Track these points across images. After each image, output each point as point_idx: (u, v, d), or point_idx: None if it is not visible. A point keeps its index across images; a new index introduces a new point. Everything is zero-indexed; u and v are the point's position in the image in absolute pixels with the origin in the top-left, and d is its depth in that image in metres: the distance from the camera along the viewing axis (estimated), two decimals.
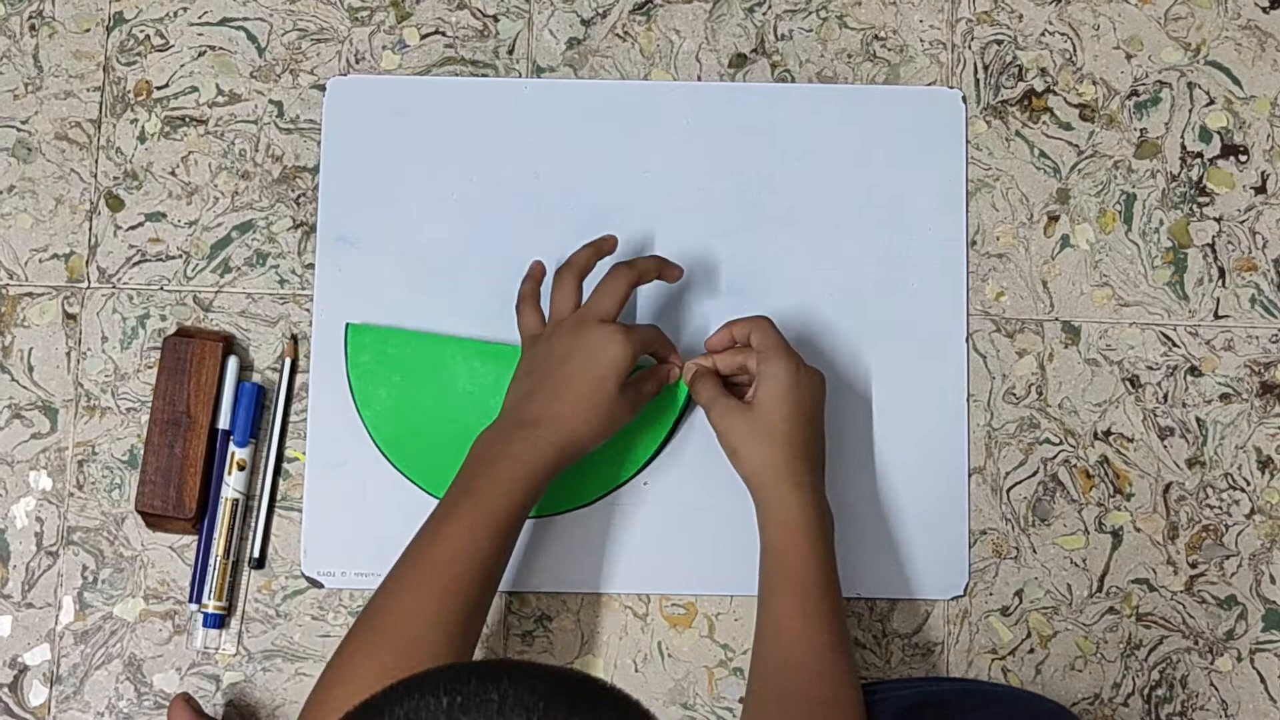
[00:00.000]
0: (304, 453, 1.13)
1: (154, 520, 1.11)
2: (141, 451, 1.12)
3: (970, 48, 1.18)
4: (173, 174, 1.16)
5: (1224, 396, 1.14)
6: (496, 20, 1.18)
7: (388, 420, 1.11)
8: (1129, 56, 1.18)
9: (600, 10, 1.18)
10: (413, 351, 1.12)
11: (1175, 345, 1.15)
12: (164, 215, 1.16)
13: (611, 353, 1.02)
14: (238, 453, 1.11)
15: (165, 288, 1.15)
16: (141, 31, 1.18)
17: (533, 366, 1.05)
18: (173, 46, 1.18)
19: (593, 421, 1.02)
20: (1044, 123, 1.17)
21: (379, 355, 1.12)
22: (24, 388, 1.14)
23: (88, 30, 1.18)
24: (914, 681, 1.09)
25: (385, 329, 1.12)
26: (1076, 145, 1.17)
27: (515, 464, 1.00)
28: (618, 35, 1.18)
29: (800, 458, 1.03)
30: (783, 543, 1.01)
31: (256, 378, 1.14)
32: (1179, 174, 1.17)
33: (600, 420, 1.03)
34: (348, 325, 1.12)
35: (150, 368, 1.13)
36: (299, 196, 1.16)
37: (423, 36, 1.18)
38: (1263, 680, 1.12)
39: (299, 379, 1.14)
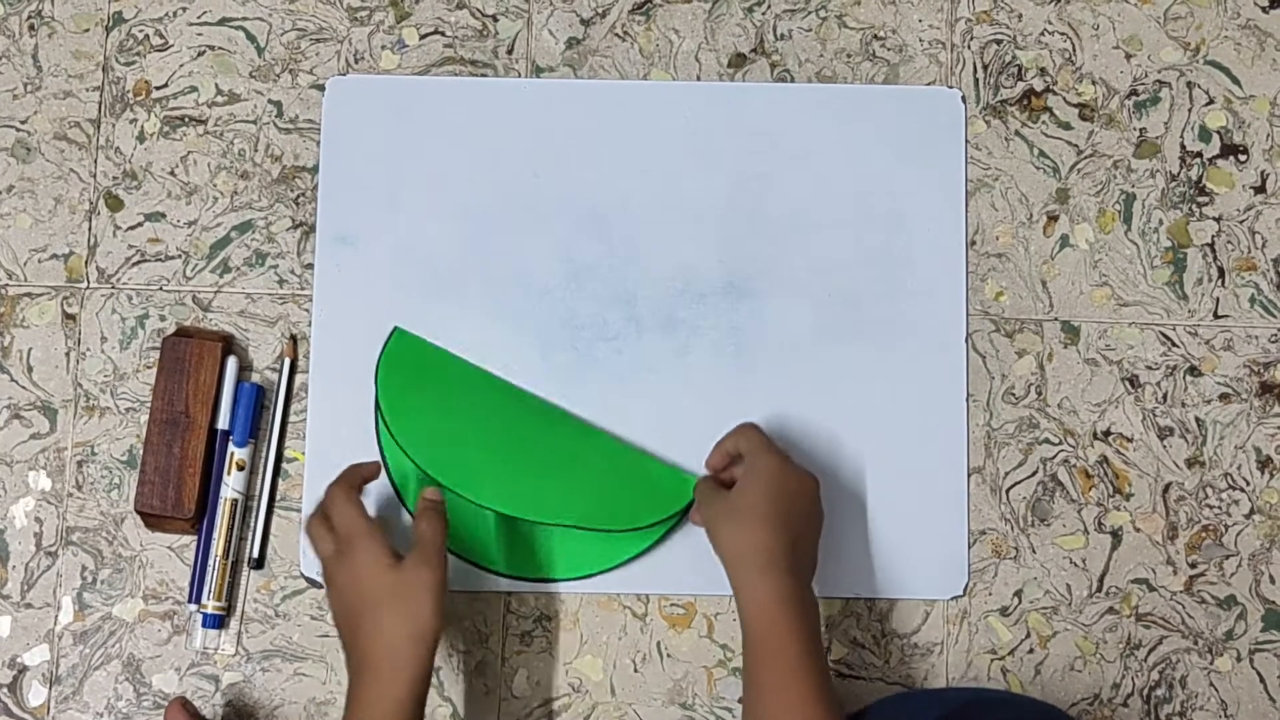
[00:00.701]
0: (303, 453, 1.13)
1: (153, 520, 1.11)
2: (141, 452, 1.12)
3: (969, 47, 1.18)
4: (172, 174, 1.16)
5: (1223, 396, 1.14)
6: (496, 20, 1.18)
7: (410, 422, 1.11)
8: (1128, 56, 1.18)
9: (599, 10, 1.18)
10: (448, 374, 1.12)
11: (1175, 345, 1.15)
12: (163, 215, 1.16)
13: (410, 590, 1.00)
14: (237, 453, 1.11)
15: (164, 288, 1.15)
16: (141, 31, 1.18)
17: (343, 596, 1.01)
18: (172, 46, 1.18)
19: (419, 623, 0.99)
20: (1043, 122, 1.17)
21: (414, 365, 1.12)
22: (23, 388, 1.14)
23: (87, 30, 1.18)
24: (901, 701, 1.09)
25: (429, 346, 1.13)
26: (1076, 145, 1.17)
27: (375, 710, 0.97)
28: (617, 35, 1.18)
29: (778, 544, 1.01)
30: (760, 624, 1.00)
31: (256, 378, 1.14)
32: (1178, 174, 1.17)
33: (420, 614, 0.99)
34: (395, 329, 1.12)
35: (149, 368, 1.13)
36: (298, 196, 1.16)
37: (422, 36, 1.18)
38: (1262, 680, 1.12)
39: (298, 379, 1.14)
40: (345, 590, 1.01)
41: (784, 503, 1.02)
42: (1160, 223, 1.16)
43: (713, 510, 1.04)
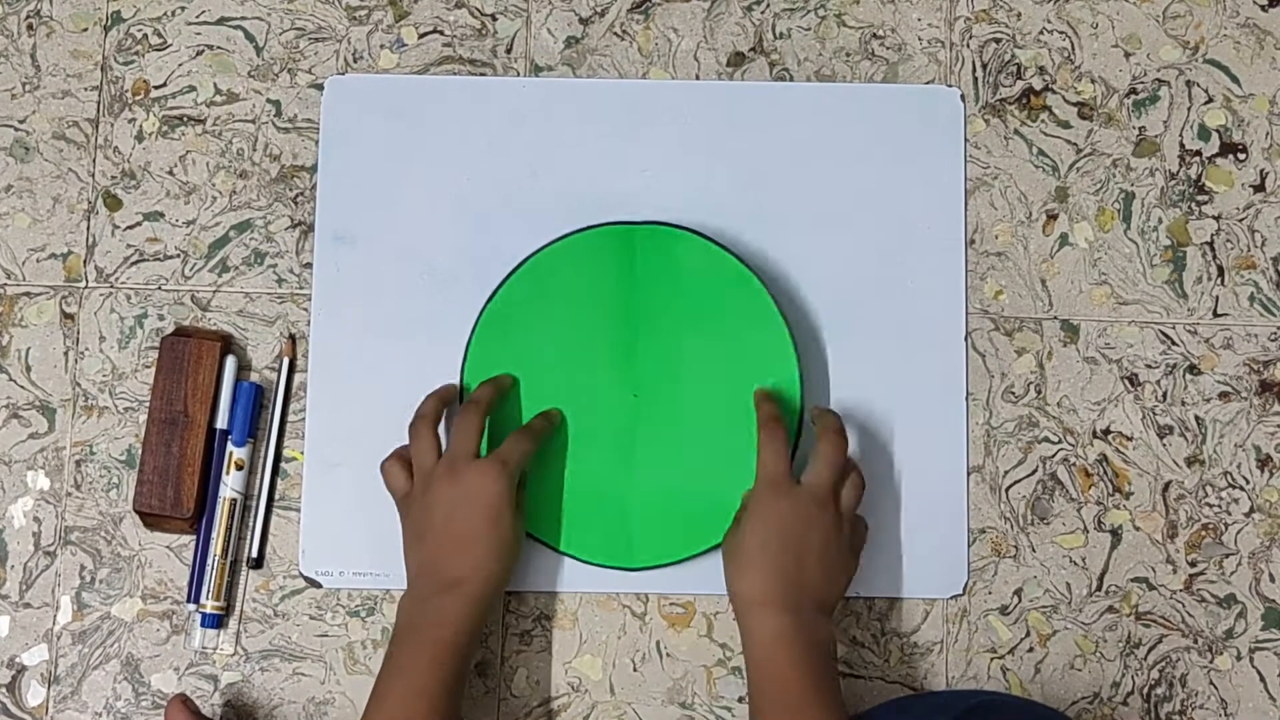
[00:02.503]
0: (302, 452, 1.13)
1: (152, 520, 1.11)
2: (139, 451, 1.11)
3: (969, 46, 1.18)
4: (170, 173, 1.16)
5: (1223, 395, 1.14)
6: (494, 19, 1.18)
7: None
8: (1127, 55, 1.18)
9: (598, 9, 1.18)
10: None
11: (1174, 343, 1.15)
12: (162, 215, 1.16)
13: (494, 489, 1.03)
14: (236, 452, 1.11)
15: (163, 287, 1.15)
16: (139, 31, 1.18)
17: (424, 525, 1.04)
18: (170, 46, 1.17)
19: (505, 558, 1.04)
20: (1042, 121, 1.17)
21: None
22: (22, 387, 1.13)
23: (85, 29, 1.18)
24: (901, 708, 1.08)
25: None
26: (1075, 143, 1.17)
27: (442, 629, 1.01)
28: (616, 34, 1.18)
29: (781, 583, 1.01)
30: (760, 664, 1.00)
31: (254, 377, 1.14)
32: (1178, 172, 1.17)
33: (510, 553, 1.05)
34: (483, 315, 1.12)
35: (148, 367, 1.13)
36: (297, 196, 1.16)
37: (421, 35, 1.18)
38: (1262, 679, 1.12)
39: (297, 378, 1.14)
40: (437, 509, 1.04)
41: (783, 539, 1.02)
42: (1159, 221, 1.16)
43: (723, 553, 1.05)
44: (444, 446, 1.07)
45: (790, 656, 0.99)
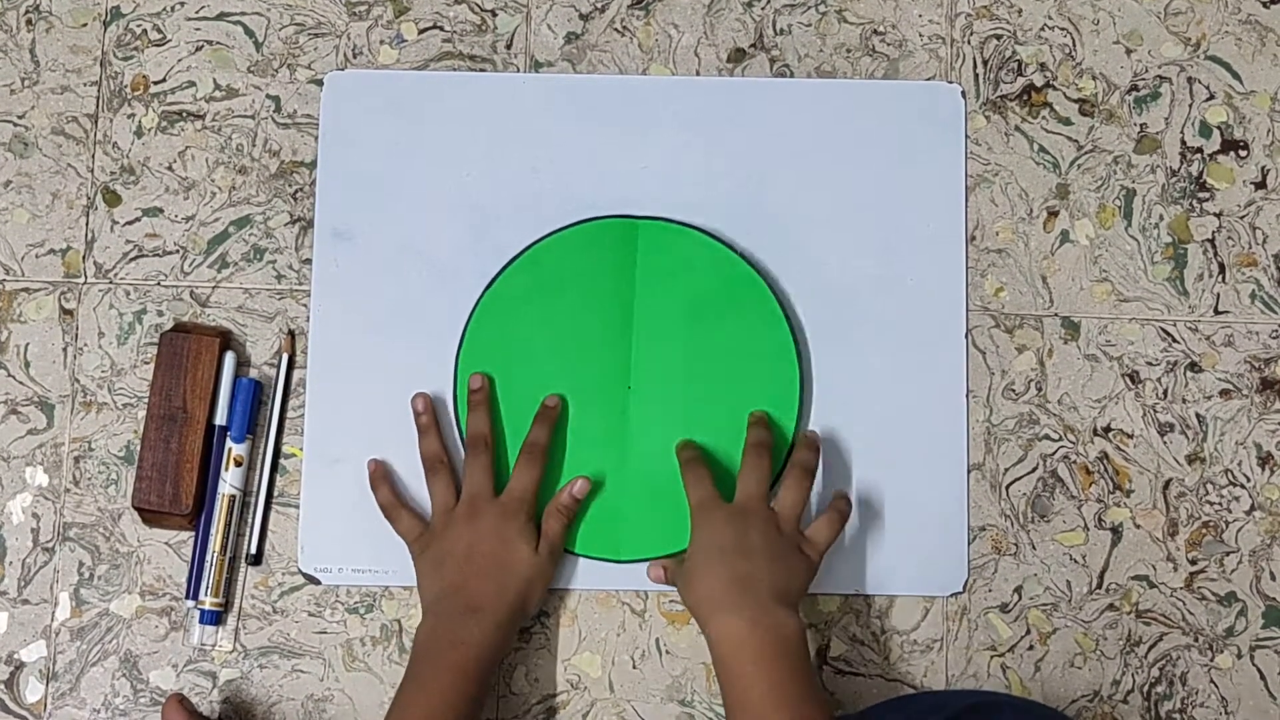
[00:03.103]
0: (301, 448, 1.13)
1: (150, 516, 1.11)
2: (138, 447, 1.11)
3: (969, 42, 1.18)
4: (170, 169, 1.16)
5: (1224, 392, 1.14)
6: (494, 15, 1.18)
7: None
8: (1129, 51, 1.18)
9: (598, 5, 1.18)
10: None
11: (1175, 341, 1.15)
12: (161, 210, 1.15)
13: (514, 524, 1.07)
14: (235, 449, 1.11)
15: (162, 283, 1.15)
16: (138, 26, 1.17)
17: (445, 558, 1.06)
18: (170, 41, 1.17)
19: (526, 589, 1.06)
20: (1043, 118, 1.17)
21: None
22: (20, 383, 1.13)
23: (84, 25, 1.17)
24: (901, 705, 1.08)
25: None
26: (1076, 140, 1.17)
27: (465, 649, 1.02)
28: (616, 30, 1.18)
29: (731, 583, 1.01)
30: (724, 667, 1.00)
31: (253, 373, 1.13)
32: (1179, 169, 1.17)
33: (530, 584, 1.06)
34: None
35: (147, 363, 1.13)
36: (296, 191, 1.16)
37: (420, 31, 1.18)
38: (1263, 677, 1.11)
39: (296, 374, 1.13)
40: (460, 543, 1.06)
41: (722, 545, 1.03)
42: (1161, 218, 1.16)
43: (677, 580, 1.06)
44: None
45: (752, 653, 0.99)
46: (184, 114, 1.16)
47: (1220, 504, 1.13)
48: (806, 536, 1.06)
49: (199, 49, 1.17)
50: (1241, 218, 1.16)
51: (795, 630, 1.00)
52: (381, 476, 1.11)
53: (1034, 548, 1.12)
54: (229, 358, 1.12)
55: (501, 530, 1.06)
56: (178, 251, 1.15)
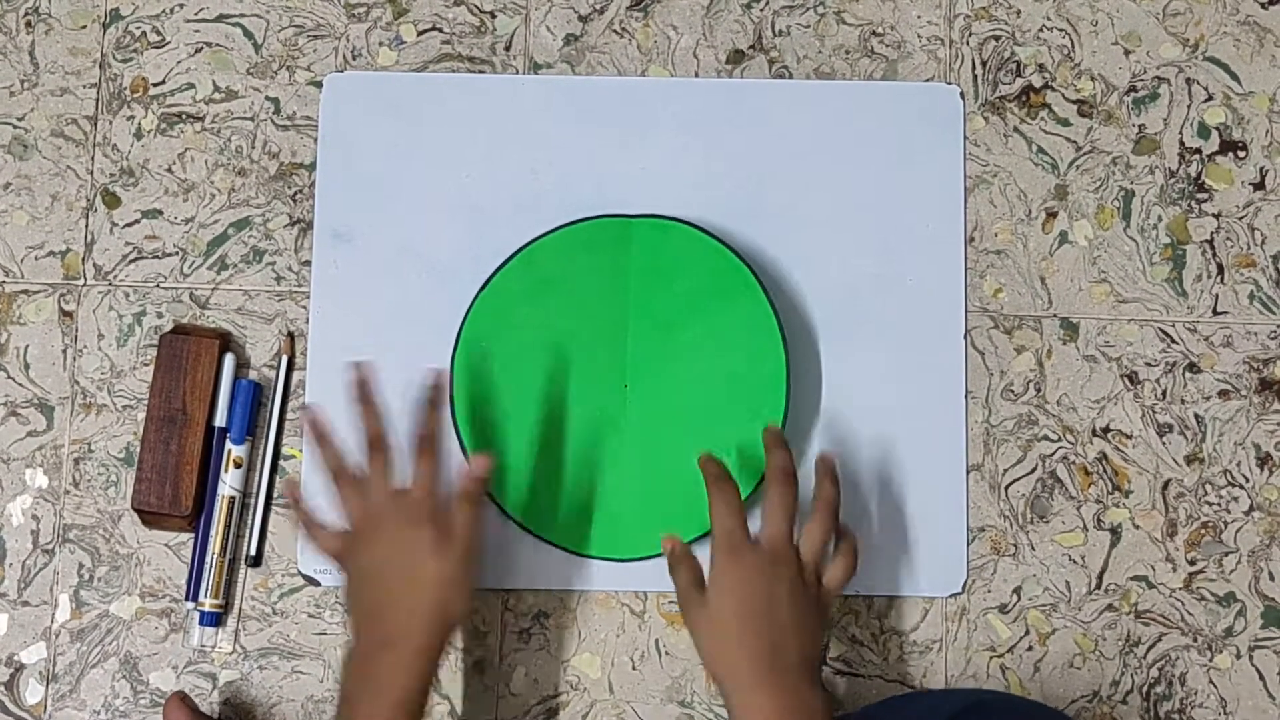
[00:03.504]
0: (301, 450, 1.13)
1: (150, 518, 1.11)
2: (138, 449, 1.11)
3: (968, 43, 1.18)
4: (169, 171, 1.16)
5: (1223, 393, 1.14)
6: (494, 16, 1.18)
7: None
8: (1127, 52, 1.18)
9: (597, 6, 1.18)
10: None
11: (1174, 341, 1.15)
12: (160, 212, 1.15)
13: (429, 562, 0.99)
14: (234, 450, 1.11)
15: (162, 285, 1.15)
16: (138, 28, 1.18)
17: (369, 568, 1.01)
18: (169, 43, 1.17)
19: (449, 609, 0.99)
20: (1042, 119, 1.17)
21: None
22: (20, 385, 1.13)
23: (84, 27, 1.18)
24: (900, 705, 1.08)
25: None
26: (1075, 141, 1.17)
27: (388, 690, 0.96)
28: (615, 31, 1.18)
29: (764, 657, 0.97)
30: None
31: (253, 375, 1.14)
32: (1177, 170, 1.17)
33: (455, 602, 1.00)
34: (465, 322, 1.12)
35: (146, 365, 1.13)
36: (296, 193, 1.16)
37: (420, 33, 1.18)
38: (1261, 677, 1.11)
39: (295, 376, 1.13)
40: (379, 555, 1.00)
41: (753, 606, 0.98)
42: (1159, 219, 1.16)
43: (690, 617, 1.01)
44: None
45: None
46: (183, 116, 1.17)
47: (1219, 504, 1.13)
48: (824, 585, 1.02)
49: (198, 51, 1.17)
50: (1240, 218, 1.16)
51: (823, 711, 0.97)
52: (294, 488, 1.08)
53: (1033, 548, 1.12)
54: (228, 359, 1.12)
55: (406, 542, 1.00)
56: (177, 253, 1.15)
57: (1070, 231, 1.16)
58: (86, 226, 1.15)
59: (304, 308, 1.14)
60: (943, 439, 1.13)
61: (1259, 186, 1.16)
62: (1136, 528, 1.13)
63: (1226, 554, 1.12)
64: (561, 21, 1.18)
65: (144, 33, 1.17)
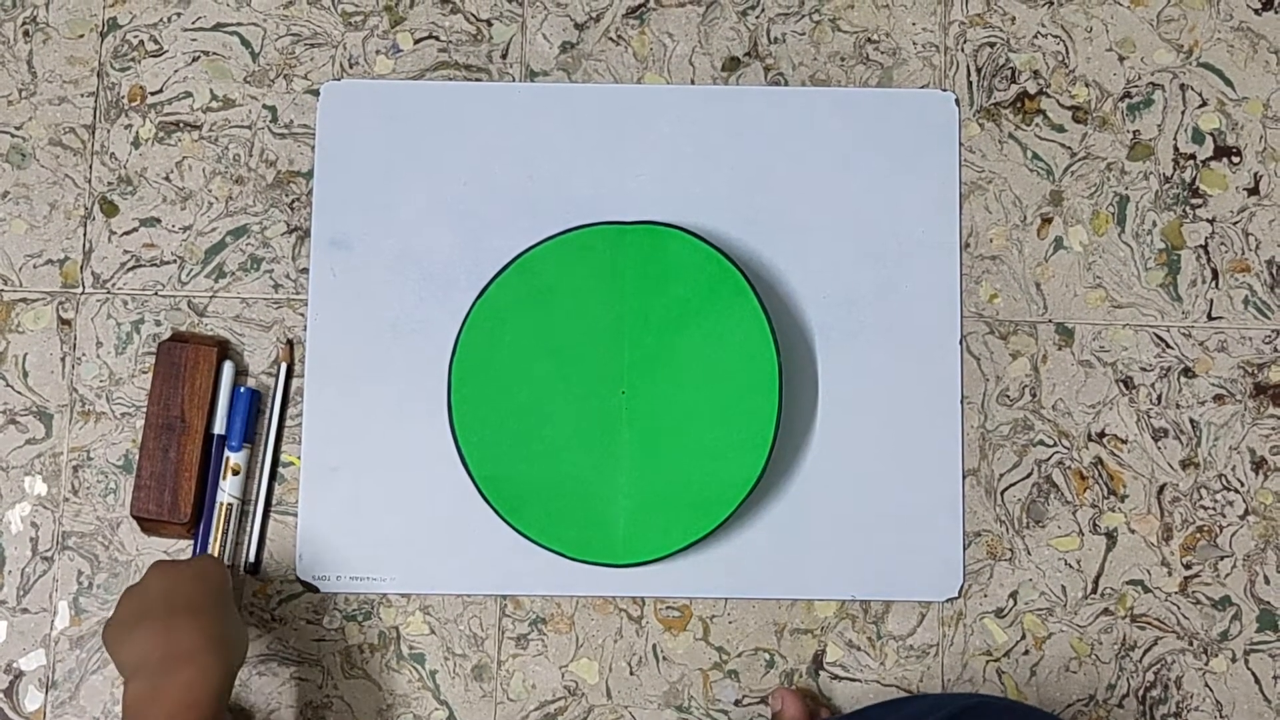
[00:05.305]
0: (299, 457, 1.13)
1: (149, 525, 1.11)
2: (136, 456, 1.12)
3: (963, 50, 1.18)
4: (167, 179, 1.16)
5: (1218, 398, 1.14)
6: (490, 25, 1.19)
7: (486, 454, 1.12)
8: (1121, 58, 1.18)
9: (593, 14, 1.19)
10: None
11: (1169, 346, 1.15)
12: (158, 220, 1.16)
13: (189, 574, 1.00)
14: (232, 457, 1.11)
15: (160, 293, 1.15)
16: (135, 37, 1.18)
17: (132, 614, 0.99)
18: (166, 52, 1.18)
19: (226, 636, 0.97)
20: (1037, 125, 1.17)
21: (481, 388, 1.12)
22: (19, 393, 1.14)
23: (81, 36, 1.18)
24: (896, 707, 1.08)
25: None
26: (1069, 147, 1.17)
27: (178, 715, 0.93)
28: (611, 39, 1.18)
29: None
30: None
31: (251, 382, 1.14)
32: (1172, 176, 1.17)
33: (226, 633, 0.98)
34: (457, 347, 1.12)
35: (145, 373, 1.14)
36: (293, 201, 1.16)
37: (416, 41, 1.18)
38: (1257, 681, 1.12)
39: (294, 383, 1.14)
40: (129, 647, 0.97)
41: None
42: (1154, 225, 1.16)
43: None
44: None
45: None
46: (181, 124, 1.17)
47: (1214, 509, 1.13)
48: None
49: (195, 59, 1.18)
50: (1234, 224, 1.16)
51: None
52: None
53: (1029, 553, 1.13)
54: (227, 367, 1.13)
55: (174, 580, 1.00)
56: (175, 261, 1.15)
57: (1065, 237, 1.16)
58: (84, 235, 1.16)
59: (302, 315, 1.15)
60: (938, 444, 1.13)
61: (1253, 192, 1.17)
62: (1132, 532, 1.13)
63: (1222, 558, 1.13)
64: (558, 29, 1.18)
65: (141, 41, 1.18)
